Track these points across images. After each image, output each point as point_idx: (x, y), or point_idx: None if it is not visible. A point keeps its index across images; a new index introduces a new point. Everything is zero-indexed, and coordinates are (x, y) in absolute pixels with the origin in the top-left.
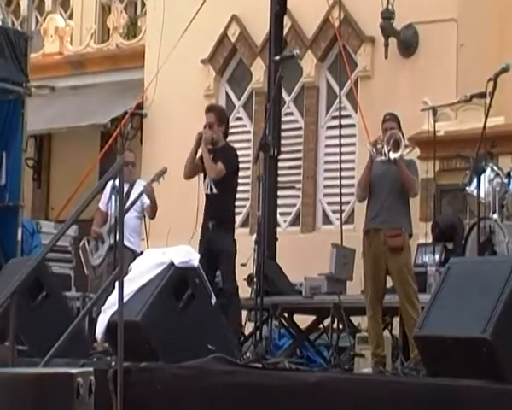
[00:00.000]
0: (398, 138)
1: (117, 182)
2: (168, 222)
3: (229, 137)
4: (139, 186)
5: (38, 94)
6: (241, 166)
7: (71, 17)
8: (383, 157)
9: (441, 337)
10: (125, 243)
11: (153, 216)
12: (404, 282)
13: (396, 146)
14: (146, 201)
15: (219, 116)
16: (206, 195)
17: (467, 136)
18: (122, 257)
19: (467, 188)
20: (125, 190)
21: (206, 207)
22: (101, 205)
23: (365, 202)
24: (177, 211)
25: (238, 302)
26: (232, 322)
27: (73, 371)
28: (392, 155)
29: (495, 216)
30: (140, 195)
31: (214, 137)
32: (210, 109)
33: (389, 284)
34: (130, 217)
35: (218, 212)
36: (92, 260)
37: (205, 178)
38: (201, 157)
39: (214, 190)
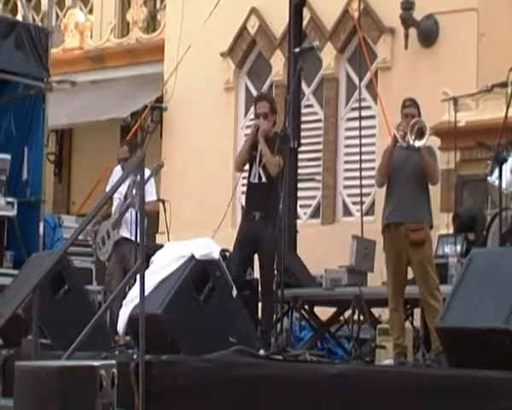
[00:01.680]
0: (423, 126)
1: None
2: (189, 215)
3: (249, 130)
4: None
5: (59, 89)
6: None
7: (91, 12)
8: (405, 144)
9: (463, 329)
10: (129, 235)
11: (150, 210)
12: (425, 274)
13: (420, 134)
14: (147, 197)
15: (272, 105)
16: (253, 184)
17: (488, 126)
18: (143, 252)
19: (488, 178)
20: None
21: (252, 196)
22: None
23: (382, 186)
24: (199, 203)
25: (272, 302)
26: (265, 319)
27: (96, 363)
28: (418, 143)
29: None
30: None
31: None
32: (263, 98)
33: (410, 275)
34: (133, 212)
35: (267, 203)
36: (100, 255)
37: (251, 167)
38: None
39: (263, 179)
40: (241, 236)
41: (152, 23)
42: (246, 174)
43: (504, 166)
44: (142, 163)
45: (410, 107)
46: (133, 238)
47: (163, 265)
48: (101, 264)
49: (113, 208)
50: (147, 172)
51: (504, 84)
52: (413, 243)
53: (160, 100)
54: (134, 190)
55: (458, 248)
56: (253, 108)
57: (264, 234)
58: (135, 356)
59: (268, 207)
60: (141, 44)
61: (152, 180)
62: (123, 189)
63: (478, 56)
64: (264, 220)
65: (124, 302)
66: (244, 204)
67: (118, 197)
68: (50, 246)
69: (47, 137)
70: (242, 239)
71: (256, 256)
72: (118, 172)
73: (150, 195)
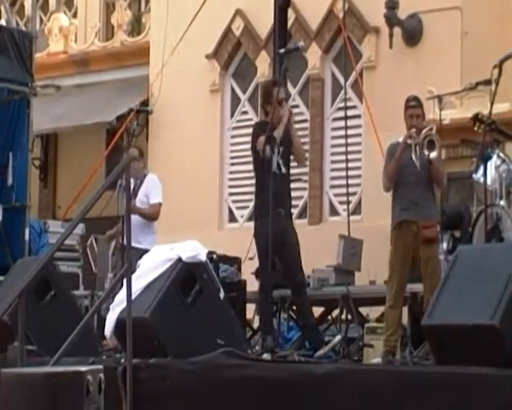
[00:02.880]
0: (433, 137)
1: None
2: (176, 217)
3: (236, 131)
4: (148, 182)
5: (44, 93)
6: (247, 159)
7: (75, 16)
8: (414, 154)
9: (450, 325)
10: (134, 244)
11: (150, 219)
12: (433, 273)
13: (432, 145)
14: (152, 200)
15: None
16: (274, 174)
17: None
18: (129, 254)
19: (473, 175)
20: (133, 186)
21: (274, 189)
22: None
23: (373, 192)
24: (185, 205)
25: (306, 293)
26: (305, 312)
27: (83, 369)
28: (432, 156)
29: (502, 203)
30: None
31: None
32: (280, 84)
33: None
34: (135, 217)
35: (286, 196)
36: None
37: (264, 156)
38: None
39: (283, 170)
40: (266, 239)
41: (137, 26)
42: (237, 175)
43: (489, 164)
44: (128, 167)
45: (416, 108)
46: (138, 245)
47: (150, 268)
48: (88, 268)
49: None
50: (153, 176)
51: (488, 82)
52: (425, 240)
53: (145, 103)
54: (138, 193)
55: (445, 245)
56: (240, 107)
57: (290, 231)
58: (122, 360)
59: (288, 201)
60: (126, 48)
61: (158, 183)
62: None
63: (462, 54)
64: (287, 215)
65: (111, 306)
66: (260, 197)
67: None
68: (36, 251)
69: (32, 142)
70: (270, 244)
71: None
72: None
73: (155, 197)
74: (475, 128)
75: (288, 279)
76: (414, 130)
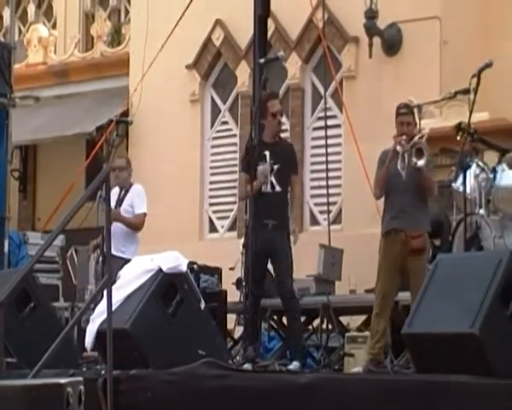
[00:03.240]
0: (423, 146)
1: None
2: (157, 227)
3: (216, 141)
4: (133, 191)
5: (23, 105)
6: (227, 169)
7: (54, 26)
8: (403, 164)
9: (430, 334)
10: (116, 253)
11: (134, 230)
12: (419, 282)
13: (420, 154)
14: (136, 210)
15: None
16: (266, 194)
17: (452, 133)
18: (110, 265)
19: (453, 184)
20: (115, 197)
21: (264, 206)
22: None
23: (354, 201)
24: (166, 216)
25: (298, 303)
26: (294, 327)
27: (63, 381)
28: (419, 164)
29: (481, 211)
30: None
31: None
32: (276, 96)
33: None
34: (120, 227)
35: (280, 211)
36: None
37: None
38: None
39: (277, 189)
40: (252, 246)
41: (116, 37)
42: (217, 185)
43: (468, 172)
44: (107, 178)
45: (406, 115)
46: (121, 255)
47: (130, 279)
48: (68, 280)
49: None
50: (138, 187)
51: (467, 91)
52: (413, 251)
53: (125, 114)
54: (123, 202)
55: None
56: (220, 117)
57: (279, 241)
58: (103, 372)
59: (281, 214)
60: (105, 58)
61: (143, 193)
62: (112, 205)
63: (441, 64)
64: (277, 227)
65: (91, 318)
66: (251, 214)
67: None
68: (15, 263)
69: (11, 153)
70: (257, 249)
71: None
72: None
73: (140, 208)
74: (458, 137)
75: (277, 290)
76: (404, 137)
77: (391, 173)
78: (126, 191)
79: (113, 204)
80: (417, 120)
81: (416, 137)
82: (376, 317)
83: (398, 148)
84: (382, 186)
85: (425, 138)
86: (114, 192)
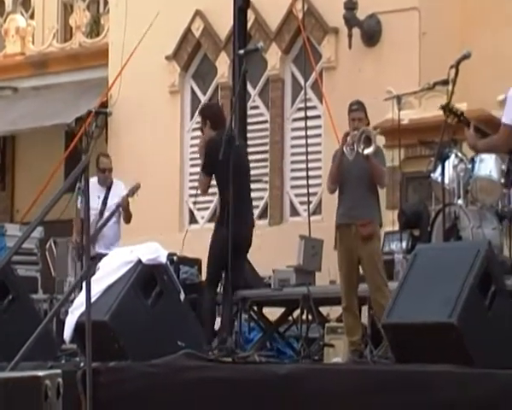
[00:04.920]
0: (370, 134)
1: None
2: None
3: (196, 133)
4: (116, 188)
5: (0, 96)
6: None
7: (32, 17)
8: (353, 152)
9: (409, 324)
10: (105, 251)
11: (127, 222)
12: (374, 270)
13: (368, 141)
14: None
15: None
16: None
17: (431, 123)
18: (88, 257)
19: (431, 175)
20: (102, 195)
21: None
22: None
23: (334, 192)
24: (146, 207)
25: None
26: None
27: (41, 373)
28: (366, 151)
29: (460, 202)
30: (116, 209)
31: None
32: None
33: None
34: (109, 225)
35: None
36: (78, 270)
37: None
38: None
39: None
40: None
41: (95, 27)
42: (197, 176)
43: (447, 163)
44: (86, 169)
45: (358, 111)
46: (107, 252)
47: (110, 271)
48: (47, 272)
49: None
50: (119, 183)
51: (446, 82)
52: (362, 238)
53: (104, 105)
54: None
55: (404, 244)
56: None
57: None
58: (82, 364)
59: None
60: (84, 49)
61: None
62: (97, 204)
63: (420, 55)
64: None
65: (70, 310)
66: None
67: (93, 213)
68: None
69: None
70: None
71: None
72: (93, 184)
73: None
74: (445, 118)
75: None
76: (355, 132)
77: (343, 168)
78: (108, 189)
79: (96, 200)
80: (396, 111)
81: (361, 130)
82: (345, 311)
83: (349, 138)
84: (335, 180)
85: (369, 133)
86: (95, 188)
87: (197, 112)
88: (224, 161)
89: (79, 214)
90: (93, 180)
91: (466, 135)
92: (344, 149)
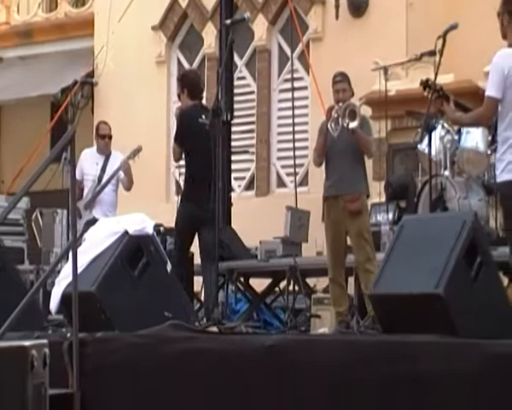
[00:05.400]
0: (354, 108)
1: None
2: (123, 190)
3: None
4: (114, 158)
5: None
6: None
7: None
8: (338, 127)
9: (395, 295)
10: (102, 217)
11: (129, 189)
12: (363, 243)
13: (353, 115)
14: (120, 173)
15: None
16: None
17: (417, 94)
18: (75, 227)
19: (418, 146)
20: (101, 162)
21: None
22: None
23: (320, 165)
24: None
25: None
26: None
27: (27, 343)
28: (351, 125)
29: (446, 173)
30: (117, 171)
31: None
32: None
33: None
34: (107, 192)
35: None
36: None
37: None
38: None
39: None
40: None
41: None
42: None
43: (433, 134)
44: (72, 139)
45: (341, 82)
46: (103, 217)
47: (96, 242)
48: (33, 243)
49: (86, 190)
50: (118, 154)
51: (433, 53)
52: (350, 213)
53: (90, 75)
54: (106, 169)
55: (390, 216)
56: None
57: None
58: (68, 335)
59: None
60: (70, 19)
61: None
62: (96, 171)
63: (407, 26)
64: None
65: (56, 280)
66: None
67: (91, 179)
68: None
69: None
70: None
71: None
72: (90, 154)
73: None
74: (425, 93)
75: None
76: (340, 104)
77: (328, 141)
78: (107, 158)
79: (95, 167)
80: (383, 82)
81: (345, 104)
82: (331, 282)
83: (333, 112)
84: (321, 153)
85: (353, 106)
86: (94, 155)
87: (177, 79)
88: (194, 134)
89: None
90: (91, 150)
91: (446, 110)
92: (328, 126)
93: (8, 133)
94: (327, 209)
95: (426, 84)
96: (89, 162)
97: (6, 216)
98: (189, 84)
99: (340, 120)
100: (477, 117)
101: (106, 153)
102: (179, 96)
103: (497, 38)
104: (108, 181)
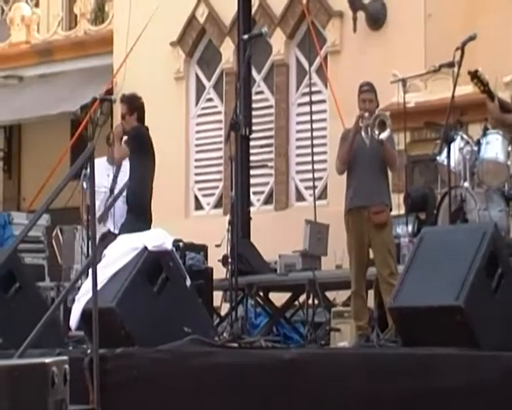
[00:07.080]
0: (385, 119)
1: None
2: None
3: (201, 119)
4: (126, 168)
5: (6, 84)
6: (213, 147)
7: (37, 5)
8: (367, 135)
9: (415, 307)
10: (115, 230)
11: None
12: (387, 256)
13: (383, 126)
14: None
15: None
16: None
17: (436, 106)
18: (94, 244)
19: (437, 158)
20: (111, 173)
21: None
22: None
23: (339, 176)
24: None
25: None
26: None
27: (47, 360)
28: (382, 136)
29: (466, 184)
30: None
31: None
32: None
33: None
34: (118, 204)
35: None
36: (85, 250)
37: None
38: None
39: None
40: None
41: (100, 14)
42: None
43: (453, 146)
44: (91, 156)
45: (368, 92)
46: (117, 232)
47: (116, 258)
48: (54, 260)
49: (98, 202)
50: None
51: (451, 64)
52: (376, 226)
53: (109, 92)
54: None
55: (410, 228)
56: (205, 94)
57: None
58: (89, 351)
59: None
60: (89, 36)
61: None
62: (108, 182)
63: (425, 37)
64: None
65: (76, 297)
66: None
67: (103, 191)
68: (1, 244)
69: None
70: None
71: None
72: (101, 163)
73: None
74: (473, 84)
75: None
76: (367, 114)
77: (354, 149)
78: (119, 167)
79: (106, 178)
80: (402, 94)
81: (375, 114)
82: (353, 296)
83: (361, 123)
84: (345, 161)
85: (383, 117)
86: (104, 167)
87: (122, 100)
88: (150, 155)
89: (86, 197)
90: (101, 160)
91: (490, 107)
92: (363, 133)
93: (29, 151)
94: (350, 221)
95: (474, 74)
96: (99, 173)
97: (27, 233)
98: (139, 108)
99: (369, 129)
100: None
101: (117, 162)
102: (124, 117)
103: None
104: (120, 193)
